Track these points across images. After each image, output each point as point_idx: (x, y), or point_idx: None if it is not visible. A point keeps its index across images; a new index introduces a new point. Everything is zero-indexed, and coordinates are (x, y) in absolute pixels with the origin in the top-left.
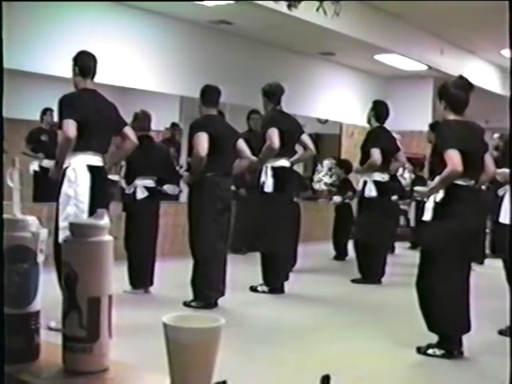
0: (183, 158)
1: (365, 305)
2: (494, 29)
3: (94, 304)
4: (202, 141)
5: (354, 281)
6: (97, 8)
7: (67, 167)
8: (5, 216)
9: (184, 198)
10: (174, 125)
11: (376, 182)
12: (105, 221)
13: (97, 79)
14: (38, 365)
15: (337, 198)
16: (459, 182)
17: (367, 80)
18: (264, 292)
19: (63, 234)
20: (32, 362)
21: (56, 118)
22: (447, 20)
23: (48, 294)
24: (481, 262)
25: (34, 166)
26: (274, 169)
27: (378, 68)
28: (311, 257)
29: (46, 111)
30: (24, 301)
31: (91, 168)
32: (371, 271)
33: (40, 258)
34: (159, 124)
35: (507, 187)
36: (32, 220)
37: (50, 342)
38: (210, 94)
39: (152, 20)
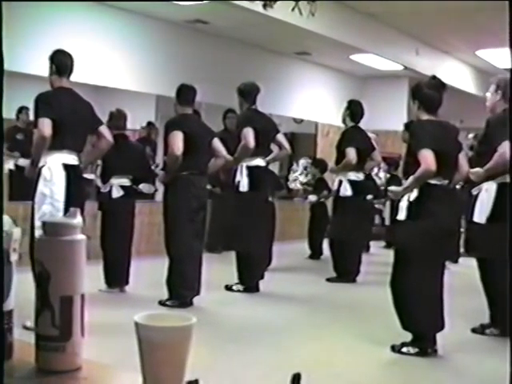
0: (159, 157)
1: (340, 303)
2: (468, 29)
3: (66, 303)
4: (177, 140)
5: (329, 280)
6: (73, 7)
7: (43, 166)
8: None
9: (160, 196)
10: (149, 124)
11: (351, 182)
12: (77, 219)
13: (73, 78)
14: (10, 364)
15: (312, 197)
16: (433, 182)
17: (343, 80)
18: (239, 291)
19: (39, 233)
20: (5, 361)
21: (32, 117)
22: (422, 21)
23: (24, 294)
24: (455, 261)
25: (10, 165)
26: (249, 168)
27: (354, 68)
28: (286, 256)
29: (22, 110)
30: None
31: (67, 167)
32: (346, 270)
33: (13, 258)
34: (135, 123)
35: (481, 186)
36: (5, 219)
37: (23, 341)
38: (185, 93)
39: (128, 19)
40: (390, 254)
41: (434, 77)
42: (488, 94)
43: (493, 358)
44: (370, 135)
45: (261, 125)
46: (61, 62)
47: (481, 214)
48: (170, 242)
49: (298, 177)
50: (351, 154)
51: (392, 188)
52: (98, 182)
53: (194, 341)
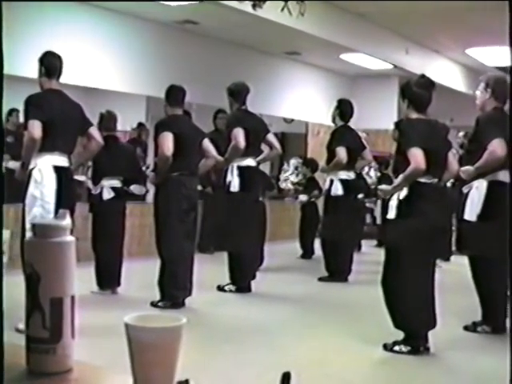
0: (150, 158)
1: (332, 303)
2: (458, 28)
3: (56, 305)
4: (167, 141)
5: (320, 279)
6: (62, 8)
7: (33, 168)
8: None
9: (151, 198)
10: (140, 125)
11: (342, 181)
12: (67, 221)
13: (63, 79)
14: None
15: (303, 197)
16: (422, 180)
17: (333, 79)
18: (231, 291)
19: (29, 235)
20: None
21: (22, 119)
22: (412, 20)
23: (16, 296)
24: (447, 259)
25: None
26: (240, 168)
27: (344, 67)
28: (278, 256)
29: (12, 112)
30: None
31: (57, 169)
32: (338, 269)
33: (2, 259)
34: (125, 124)
35: (471, 184)
36: None
37: (14, 343)
38: (175, 94)
39: (118, 20)
40: (381, 253)
41: (423, 75)
42: (478, 93)
43: (485, 355)
44: (361, 134)
45: (251, 125)
46: (50, 63)
47: (471, 211)
48: (162, 243)
49: (289, 177)
50: (342, 153)
51: (382, 186)
52: (89, 184)
53: (186, 341)
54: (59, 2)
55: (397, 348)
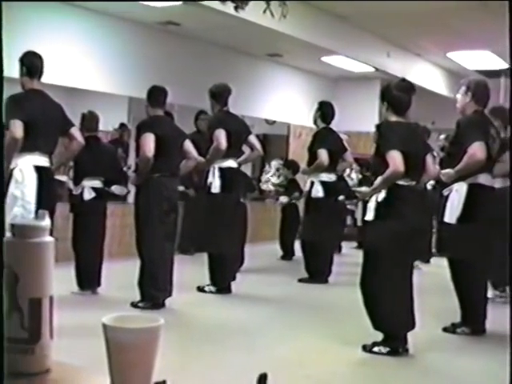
0: (132, 159)
1: (312, 304)
2: (439, 32)
3: (35, 305)
4: (149, 142)
5: (300, 280)
6: (43, 8)
7: (14, 168)
8: None
9: (132, 198)
10: (122, 125)
11: (323, 183)
12: (46, 222)
13: (44, 79)
14: None
15: (283, 199)
16: (401, 183)
17: (314, 81)
18: (211, 292)
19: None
20: None
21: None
22: (394, 23)
23: None
24: (427, 261)
25: None
26: (221, 169)
27: (326, 69)
28: (258, 257)
29: None
30: None
31: (38, 169)
32: (318, 271)
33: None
34: (107, 125)
35: (452, 187)
36: None
37: None
38: (156, 95)
39: (100, 20)
40: (361, 255)
41: (404, 79)
42: (458, 96)
43: (464, 356)
44: (342, 136)
45: (233, 126)
46: (31, 63)
47: (451, 214)
48: (142, 244)
49: (270, 178)
50: (323, 155)
51: (360, 189)
52: (70, 184)
53: (165, 342)
54: (42, 2)
55: (376, 349)
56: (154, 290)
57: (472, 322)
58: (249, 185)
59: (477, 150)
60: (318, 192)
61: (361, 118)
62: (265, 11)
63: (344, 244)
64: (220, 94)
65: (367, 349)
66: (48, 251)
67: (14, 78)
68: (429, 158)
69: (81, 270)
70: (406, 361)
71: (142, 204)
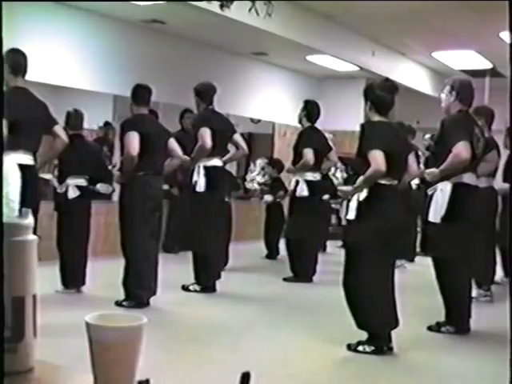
0: (117, 157)
1: (296, 303)
2: (424, 31)
3: (18, 304)
4: (133, 140)
5: (285, 279)
6: (28, 5)
7: None
8: None
9: (117, 197)
10: (107, 124)
11: (308, 182)
12: (29, 220)
13: (29, 77)
14: None
15: (268, 197)
16: (382, 182)
17: (300, 80)
18: (196, 291)
19: None
20: None
21: None
22: (379, 22)
23: None
24: (411, 260)
25: None
26: (206, 168)
27: (311, 68)
28: (243, 256)
29: None
30: None
31: (22, 167)
32: (303, 270)
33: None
34: (92, 123)
35: (436, 186)
36: None
37: None
38: (141, 93)
39: (85, 18)
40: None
41: (387, 79)
42: (443, 95)
43: (448, 355)
44: (327, 135)
45: (218, 125)
46: (15, 61)
47: (435, 213)
48: (126, 243)
49: (255, 177)
50: (309, 155)
51: (342, 188)
52: (55, 183)
53: (149, 341)
54: (28, 1)
55: (360, 348)
56: (138, 288)
57: (456, 320)
58: (234, 184)
59: (461, 150)
60: (303, 191)
61: (346, 116)
62: (250, 10)
63: (329, 243)
64: (205, 93)
65: (352, 348)
66: (31, 250)
67: None
68: (411, 158)
69: (65, 268)
70: (391, 359)
71: (127, 202)
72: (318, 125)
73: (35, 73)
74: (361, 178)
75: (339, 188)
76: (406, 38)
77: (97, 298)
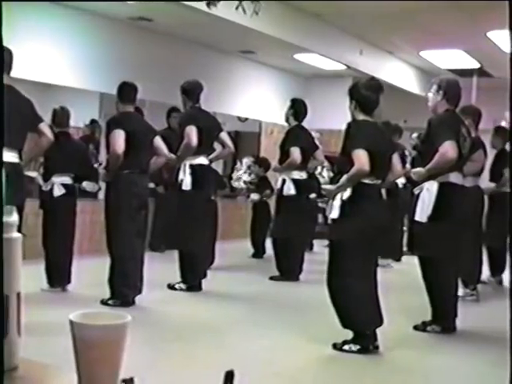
0: (103, 155)
1: (282, 302)
2: (412, 30)
3: (1, 302)
4: (119, 138)
5: (272, 278)
6: (14, 3)
7: None
8: None
9: (103, 195)
10: (93, 122)
11: (294, 181)
12: (13, 218)
13: (14, 74)
14: None
15: (254, 196)
16: (366, 181)
17: (287, 79)
18: (182, 290)
19: None
20: None
21: None
22: (366, 21)
23: None
24: (398, 259)
25: None
26: (192, 166)
27: (298, 67)
28: (229, 254)
29: None
30: None
31: (6, 165)
32: (289, 269)
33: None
34: (79, 121)
35: (422, 186)
36: None
37: None
38: (126, 91)
39: (71, 15)
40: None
41: (373, 78)
42: (430, 95)
43: (434, 354)
44: (314, 134)
45: (204, 123)
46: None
47: (422, 213)
48: (112, 241)
49: (242, 175)
50: (296, 153)
51: (326, 186)
52: (40, 180)
53: (135, 339)
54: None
55: (346, 347)
56: (123, 287)
57: (442, 320)
58: (220, 182)
59: (448, 149)
60: (290, 190)
61: (333, 115)
62: (237, 8)
63: (315, 242)
64: (192, 91)
65: (337, 347)
66: (15, 247)
67: None
68: (395, 158)
69: (51, 266)
70: (377, 358)
71: (112, 201)
72: (305, 124)
73: (21, 70)
74: (344, 177)
75: (323, 187)
76: (394, 36)
77: (82, 296)
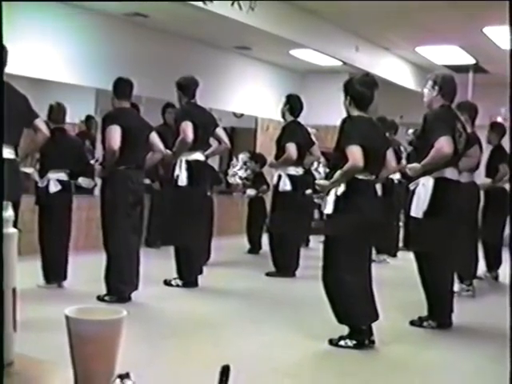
0: (99, 151)
1: (279, 298)
2: (408, 26)
3: (1, 297)
4: (115, 134)
5: (268, 274)
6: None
7: None
8: None
9: (98, 191)
10: (89, 118)
11: (290, 176)
12: (9, 213)
13: (10, 70)
14: None
15: (250, 192)
16: (360, 177)
17: (283, 74)
18: (178, 286)
19: None
20: None
21: None
22: (362, 17)
23: None
24: (394, 255)
25: None
26: (188, 162)
27: (294, 63)
28: (225, 250)
29: None
30: None
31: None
32: (285, 264)
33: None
34: (75, 117)
35: (418, 181)
36: None
37: None
38: (122, 87)
39: (66, 11)
40: None
41: (368, 74)
42: (425, 90)
43: (430, 349)
44: (310, 130)
45: (200, 119)
46: None
47: (417, 208)
48: (108, 237)
49: (238, 171)
50: (292, 149)
51: (320, 182)
52: (36, 176)
53: (131, 335)
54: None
55: (342, 342)
56: (120, 283)
57: (438, 315)
58: (216, 178)
59: (443, 145)
60: (286, 185)
61: (329, 111)
62: (233, 4)
63: (311, 238)
64: (187, 87)
65: (334, 342)
66: (11, 243)
67: None
68: (389, 154)
69: (47, 263)
70: (373, 354)
71: (108, 197)
72: (301, 119)
73: (17, 66)
74: (338, 173)
75: (317, 182)
76: (390, 33)
77: (78, 292)
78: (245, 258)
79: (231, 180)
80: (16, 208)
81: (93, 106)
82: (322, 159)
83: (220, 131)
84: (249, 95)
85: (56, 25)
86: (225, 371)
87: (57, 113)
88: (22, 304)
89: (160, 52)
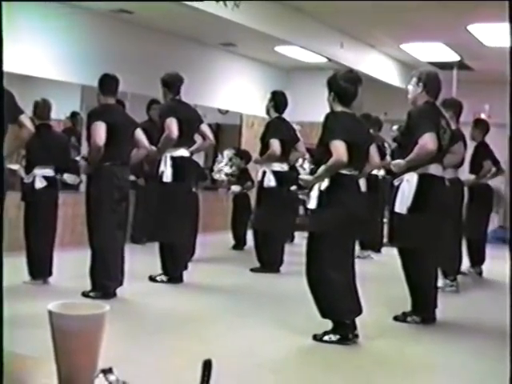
0: (84, 148)
1: (263, 294)
2: (393, 24)
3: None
4: (100, 130)
5: (252, 270)
6: None
7: None
8: None
9: (84, 188)
10: (74, 114)
11: (275, 173)
12: None
13: None
14: None
15: (235, 188)
16: (343, 172)
17: (268, 71)
18: (163, 282)
19: None
20: None
21: None
22: (347, 14)
23: None
24: (378, 250)
25: None
26: (173, 158)
27: (279, 59)
28: (210, 246)
29: None
30: None
31: None
32: (270, 260)
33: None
34: (60, 113)
35: (402, 177)
36: None
37: None
38: (107, 83)
39: (52, 8)
40: None
41: (351, 70)
42: (410, 87)
43: (414, 344)
44: (295, 126)
45: (185, 115)
46: None
47: (402, 204)
48: (93, 233)
49: (223, 168)
50: (275, 145)
51: (303, 177)
52: (22, 173)
53: (116, 331)
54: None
55: (326, 338)
56: (105, 279)
57: (422, 310)
58: (201, 174)
59: (427, 141)
60: (270, 182)
61: (314, 108)
62: (218, 0)
63: (296, 234)
64: (172, 83)
65: (318, 338)
66: None
67: None
68: (372, 149)
69: (32, 259)
70: (357, 349)
71: (93, 193)
72: (286, 116)
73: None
74: (322, 168)
75: (301, 177)
76: (375, 30)
77: (63, 288)
78: (229, 254)
79: (216, 176)
80: (1, 204)
81: (78, 102)
82: (307, 155)
83: (205, 127)
84: (234, 92)
85: (41, 22)
86: (207, 366)
87: (42, 109)
88: (6, 300)
89: (145, 48)
